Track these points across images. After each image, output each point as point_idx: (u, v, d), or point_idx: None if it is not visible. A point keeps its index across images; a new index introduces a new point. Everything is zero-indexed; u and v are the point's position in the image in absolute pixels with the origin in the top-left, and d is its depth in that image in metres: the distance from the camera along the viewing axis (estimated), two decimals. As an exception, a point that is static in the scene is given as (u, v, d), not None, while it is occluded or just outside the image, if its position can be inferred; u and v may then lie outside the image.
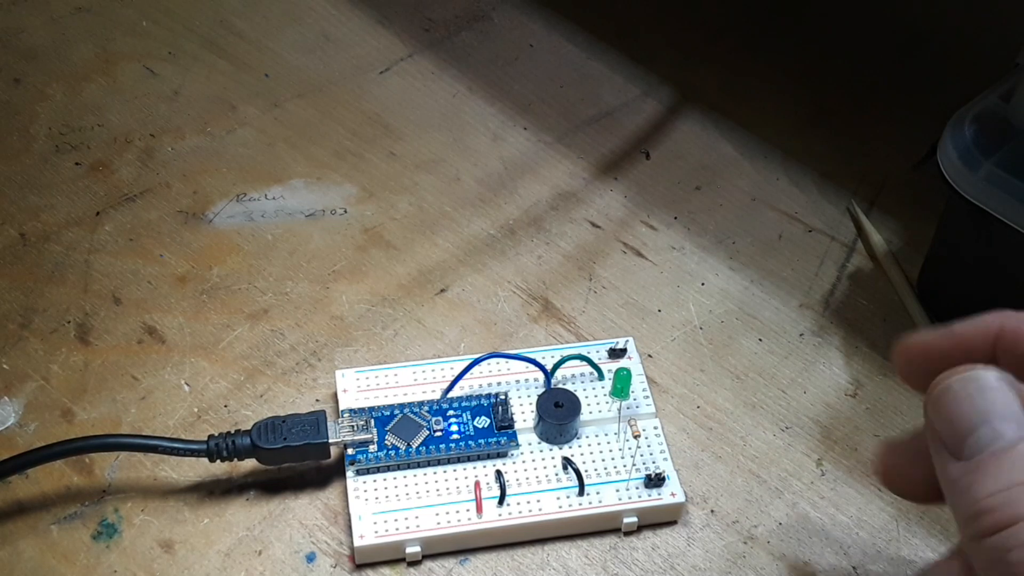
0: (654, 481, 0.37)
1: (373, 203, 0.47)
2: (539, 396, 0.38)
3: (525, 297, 0.44)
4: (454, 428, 0.38)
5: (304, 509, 0.37)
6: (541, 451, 0.38)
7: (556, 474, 0.37)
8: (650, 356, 0.42)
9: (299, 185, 0.48)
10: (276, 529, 0.37)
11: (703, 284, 0.45)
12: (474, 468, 0.37)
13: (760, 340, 0.43)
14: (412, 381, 0.40)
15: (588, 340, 0.42)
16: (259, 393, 0.41)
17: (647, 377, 0.41)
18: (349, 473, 0.37)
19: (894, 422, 0.41)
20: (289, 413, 0.38)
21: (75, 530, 0.36)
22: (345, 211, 0.47)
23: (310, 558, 0.36)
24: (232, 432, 0.37)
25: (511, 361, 0.40)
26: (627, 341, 0.41)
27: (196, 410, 0.40)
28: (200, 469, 0.37)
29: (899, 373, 0.30)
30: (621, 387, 0.37)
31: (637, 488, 0.37)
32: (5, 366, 0.41)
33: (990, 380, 0.27)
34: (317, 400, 0.40)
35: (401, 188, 0.48)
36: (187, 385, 0.41)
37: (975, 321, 0.29)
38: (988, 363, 0.28)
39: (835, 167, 0.50)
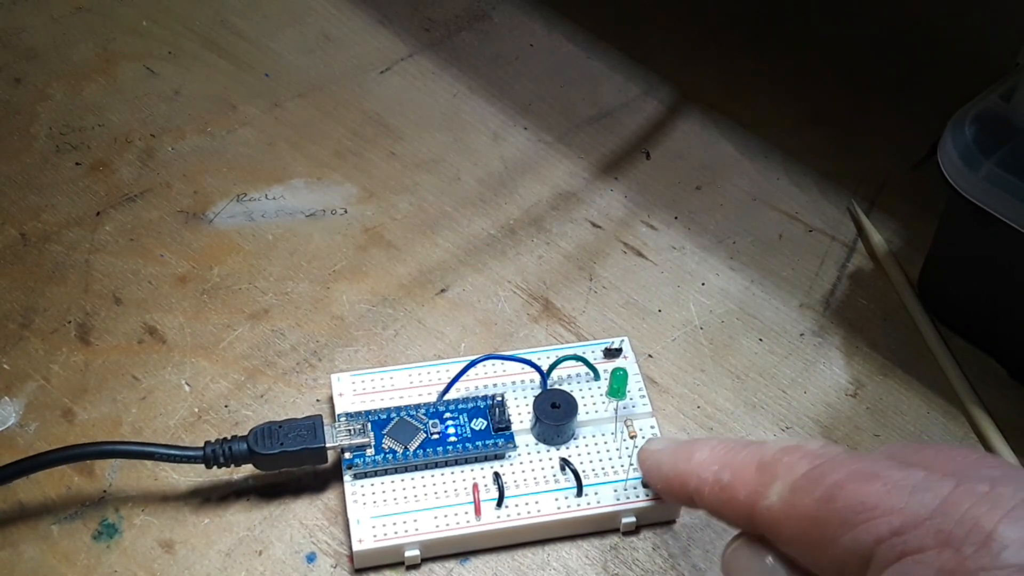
0: (653, 481, 0.37)
1: (373, 203, 0.47)
2: (536, 397, 0.38)
3: (525, 297, 0.44)
4: (451, 431, 0.38)
5: (304, 509, 0.37)
6: (539, 452, 0.38)
7: (554, 475, 0.37)
8: (650, 356, 0.42)
9: (299, 185, 0.48)
10: (276, 529, 0.37)
11: (703, 284, 0.45)
12: (472, 470, 0.37)
13: (760, 340, 0.43)
14: (408, 384, 0.39)
15: (588, 340, 0.42)
16: (260, 393, 0.41)
17: (644, 376, 0.41)
18: (347, 477, 0.37)
19: (894, 422, 0.41)
20: (286, 417, 0.38)
21: (76, 530, 0.37)
22: (345, 211, 0.47)
23: (310, 558, 0.36)
24: (229, 438, 0.37)
25: (507, 362, 0.40)
26: (622, 341, 0.41)
27: (197, 410, 0.40)
28: (201, 470, 0.37)
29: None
30: (617, 387, 0.37)
31: (635, 488, 0.37)
32: (6, 366, 0.41)
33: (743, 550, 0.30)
34: (317, 400, 0.40)
35: (401, 188, 0.48)
36: (188, 385, 0.41)
37: (675, 467, 0.33)
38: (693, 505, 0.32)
39: (835, 167, 0.50)
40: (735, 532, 0.37)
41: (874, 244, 0.46)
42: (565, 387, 0.39)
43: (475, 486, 0.37)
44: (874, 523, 0.25)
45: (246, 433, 0.37)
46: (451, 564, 0.36)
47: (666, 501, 0.36)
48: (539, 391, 0.39)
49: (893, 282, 0.45)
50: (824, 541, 0.26)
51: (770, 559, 0.29)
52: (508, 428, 0.38)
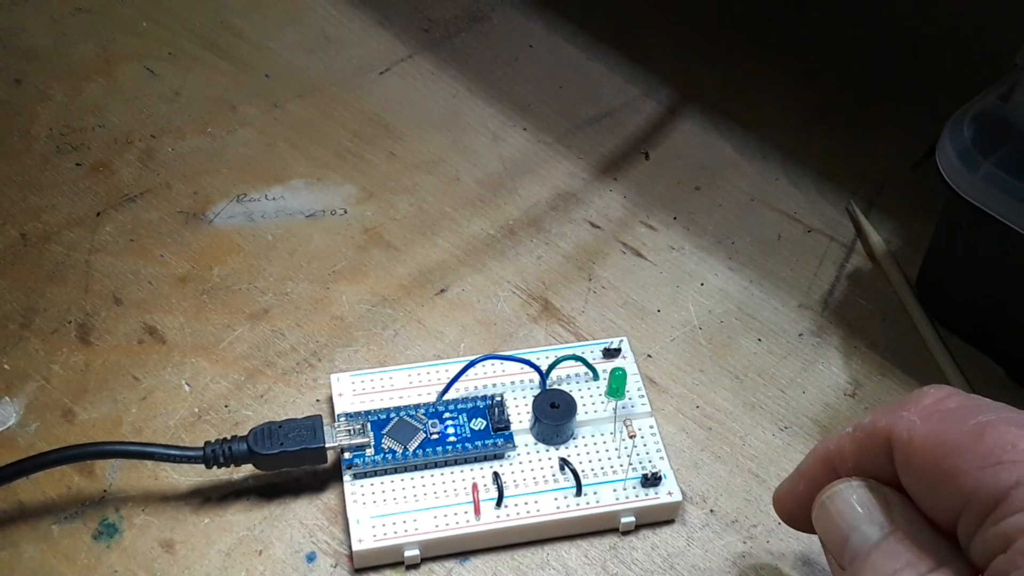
0: (651, 480, 0.37)
1: (373, 203, 0.48)
2: (535, 397, 0.38)
3: (525, 297, 0.44)
4: (450, 431, 0.38)
5: (304, 509, 0.38)
6: (538, 452, 0.38)
7: (553, 475, 0.37)
8: (649, 356, 0.43)
9: (299, 185, 0.48)
10: (276, 529, 0.37)
11: (702, 284, 0.45)
12: (471, 470, 0.37)
13: (759, 340, 0.43)
14: (408, 384, 0.40)
15: (587, 340, 0.42)
16: (259, 393, 0.41)
17: (643, 376, 0.41)
18: (346, 477, 0.37)
19: (892, 422, 0.41)
20: (286, 417, 0.38)
21: (76, 530, 0.37)
22: (345, 211, 0.47)
23: (310, 558, 0.36)
24: (228, 438, 0.37)
25: (506, 362, 0.40)
26: (621, 341, 0.41)
27: (197, 410, 0.40)
28: (201, 470, 0.37)
29: (787, 524, 0.33)
30: (616, 387, 0.37)
31: (634, 487, 0.37)
32: (6, 366, 0.41)
33: (852, 490, 0.29)
34: (317, 400, 0.40)
35: (401, 188, 0.48)
36: (188, 385, 0.41)
37: (811, 453, 0.32)
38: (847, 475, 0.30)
39: (835, 167, 0.50)
40: (732, 540, 0.37)
41: (873, 244, 0.46)
42: (564, 387, 0.39)
43: (474, 486, 0.37)
44: (1019, 464, 0.25)
45: (246, 433, 0.37)
46: (451, 564, 0.36)
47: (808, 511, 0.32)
48: (538, 391, 0.39)
49: (892, 282, 0.45)
50: (958, 472, 0.26)
51: (868, 496, 0.29)
52: (507, 428, 0.38)
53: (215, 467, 0.37)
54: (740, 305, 0.45)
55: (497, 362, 0.40)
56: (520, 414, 0.39)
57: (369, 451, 0.37)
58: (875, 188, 0.49)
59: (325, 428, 0.37)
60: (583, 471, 0.37)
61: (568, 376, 0.40)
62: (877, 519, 0.29)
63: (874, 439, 0.29)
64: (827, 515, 0.30)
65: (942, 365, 0.42)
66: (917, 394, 0.29)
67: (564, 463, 0.38)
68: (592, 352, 0.41)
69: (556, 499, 0.37)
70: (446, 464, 0.37)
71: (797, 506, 0.32)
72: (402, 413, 0.38)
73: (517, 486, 0.37)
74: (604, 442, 0.38)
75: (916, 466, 0.28)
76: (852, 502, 0.29)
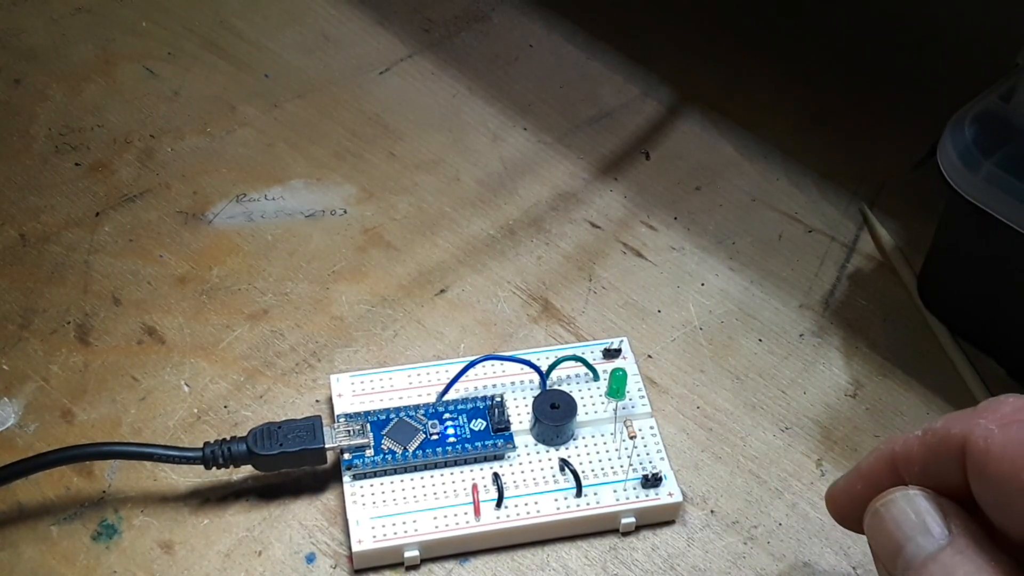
0: (651, 481, 0.37)
1: (373, 203, 0.47)
2: (535, 398, 0.38)
3: (525, 297, 0.44)
4: (450, 431, 0.38)
5: (304, 510, 0.37)
6: (538, 453, 0.38)
7: (553, 475, 0.37)
8: (650, 356, 0.42)
9: (299, 185, 0.48)
10: (276, 530, 0.37)
11: (703, 284, 0.45)
12: (471, 471, 0.37)
13: (760, 340, 0.43)
14: (407, 384, 0.39)
15: (588, 340, 0.42)
16: (259, 394, 0.41)
17: (644, 377, 0.41)
18: (346, 478, 0.37)
19: (894, 422, 0.41)
20: (285, 418, 0.38)
21: (75, 531, 0.37)
22: (345, 211, 0.47)
23: (310, 559, 0.36)
24: (228, 439, 0.37)
25: (506, 363, 0.40)
26: (621, 341, 0.41)
27: (196, 411, 0.40)
28: (200, 470, 0.37)
29: (838, 522, 0.32)
30: (617, 387, 0.37)
31: (635, 488, 0.37)
32: (5, 367, 0.41)
33: (909, 499, 0.29)
34: (316, 401, 0.40)
35: (401, 188, 0.48)
36: (187, 386, 0.41)
37: (874, 452, 0.31)
38: (901, 484, 0.29)
39: (835, 167, 0.50)
40: (732, 540, 0.37)
41: (884, 243, 0.46)
42: (564, 387, 0.39)
43: (474, 487, 0.37)
44: None
45: (245, 434, 0.37)
46: (451, 565, 0.36)
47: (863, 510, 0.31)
48: (538, 391, 0.39)
49: (903, 281, 0.45)
50: None
51: (927, 505, 0.28)
52: (507, 429, 0.38)
53: (214, 468, 0.37)
54: (741, 305, 0.44)
55: (497, 363, 0.40)
56: (520, 415, 0.39)
57: (369, 452, 0.37)
58: (876, 188, 0.49)
59: (325, 429, 0.37)
60: (583, 472, 0.37)
61: (568, 376, 0.40)
62: (935, 530, 0.28)
63: (946, 445, 0.28)
64: (881, 523, 0.29)
65: (955, 362, 0.42)
66: (993, 402, 0.28)
67: (564, 464, 0.37)
68: (592, 352, 0.41)
69: (556, 500, 0.37)
70: (446, 465, 0.37)
71: (852, 506, 0.31)
72: (402, 414, 0.38)
73: (517, 487, 0.37)
74: (604, 443, 0.38)
75: (992, 476, 0.27)
76: (908, 511, 0.28)
